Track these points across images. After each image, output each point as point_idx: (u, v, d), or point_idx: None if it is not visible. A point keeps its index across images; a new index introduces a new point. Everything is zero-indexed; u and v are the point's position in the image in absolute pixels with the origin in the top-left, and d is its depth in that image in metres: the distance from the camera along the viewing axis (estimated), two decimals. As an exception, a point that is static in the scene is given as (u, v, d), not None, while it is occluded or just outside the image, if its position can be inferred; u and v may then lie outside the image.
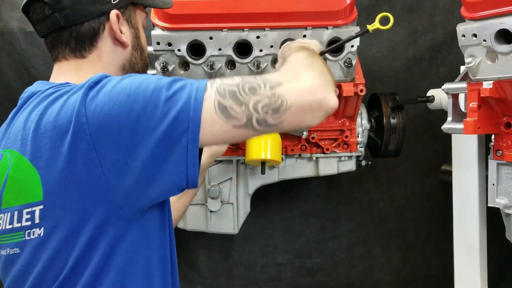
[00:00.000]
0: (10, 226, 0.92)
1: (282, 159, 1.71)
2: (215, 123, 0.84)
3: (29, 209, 0.89)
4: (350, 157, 1.76)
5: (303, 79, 0.88)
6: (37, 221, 0.89)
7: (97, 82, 0.88)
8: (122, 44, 1.06)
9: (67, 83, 0.97)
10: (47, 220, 0.88)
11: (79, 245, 0.87)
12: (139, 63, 1.11)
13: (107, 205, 0.87)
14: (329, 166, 1.76)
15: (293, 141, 1.72)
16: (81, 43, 1.02)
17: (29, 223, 0.89)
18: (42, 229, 0.89)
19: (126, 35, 1.06)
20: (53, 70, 1.06)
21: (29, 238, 0.90)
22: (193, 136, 0.84)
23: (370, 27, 1.22)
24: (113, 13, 1.03)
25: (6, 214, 0.93)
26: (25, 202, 0.90)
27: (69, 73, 1.03)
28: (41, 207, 0.88)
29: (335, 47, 1.31)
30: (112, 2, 1.03)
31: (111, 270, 0.90)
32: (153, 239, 0.96)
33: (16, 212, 0.91)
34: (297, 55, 1.03)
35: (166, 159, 0.85)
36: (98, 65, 1.04)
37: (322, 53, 1.30)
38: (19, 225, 0.91)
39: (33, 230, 0.89)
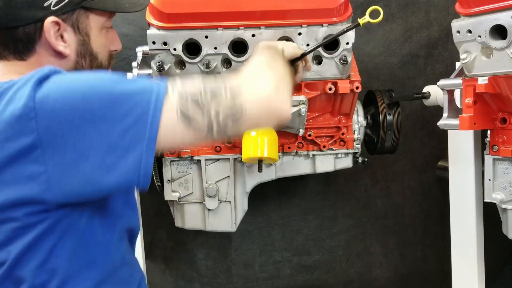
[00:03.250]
0: None
1: (279, 157, 1.71)
2: (176, 131, 0.85)
3: None
4: (346, 154, 1.76)
5: (261, 87, 0.91)
6: None
7: (46, 76, 0.85)
8: (61, 53, 0.99)
9: (10, 81, 0.93)
10: None
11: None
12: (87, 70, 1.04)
13: (34, 199, 0.85)
14: (326, 163, 1.76)
15: (290, 139, 1.72)
16: (18, 47, 0.98)
17: None
18: None
19: (68, 43, 0.99)
20: None
21: None
22: (149, 144, 0.83)
23: (361, 21, 1.23)
24: (49, 21, 0.95)
25: None
26: None
27: (11, 73, 0.99)
28: None
29: (327, 41, 1.32)
30: (52, 8, 0.95)
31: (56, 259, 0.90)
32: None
33: None
34: (259, 59, 1.04)
35: (117, 166, 0.84)
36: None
37: (312, 50, 1.31)
38: None
39: None
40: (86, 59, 1.04)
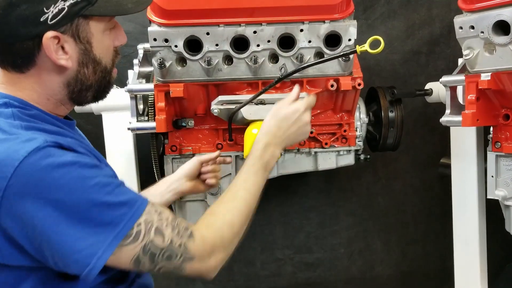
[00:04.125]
0: None
1: (281, 154, 1.71)
2: (123, 265, 0.92)
3: None
4: (348, 151, 1.76)
5: (211, 261, 1.01)
6: None
7: (36, 150, 0.85)
8: (62, 66, 0.96)
9: (5, 103, 0.94)
10: None
11: None
12: (90, 77, 1.01)
13: None
14: (328, 160, 1.76)
15: (292, 136, 1.72)
16: (17, 61, 0.95)
17: None
18: None
19: (70, 54, 0.96)
20: None
21: None
22: (107, 248, 0.89)
23: (359, 49, 1.23)
24: (47, 36, 0.91)
25: None
26: None
27: (9, 85, 0.98)
28: None
29: (320, 62, 1.35)
30: (49, 23, 0.91)
31: None
32: None
33: None
34: (242, 189, 1.15)
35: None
36: (38, 82, 0.98)
37: (307, 67, 1.36)
38: None
39: None
40: (89, 67, 1.00)
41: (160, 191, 1.36)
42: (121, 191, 0.92)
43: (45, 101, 1.00)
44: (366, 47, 1.22)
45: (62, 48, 0.95)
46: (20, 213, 0.85)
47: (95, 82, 1.02)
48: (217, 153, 1.46)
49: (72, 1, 0.92)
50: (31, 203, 0.84)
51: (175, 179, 1.38)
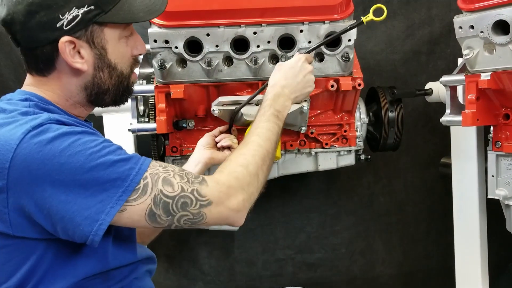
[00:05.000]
0: None
1: (282, 155, 1.71)
2: (140, 222, 0.94)
3: None
4: (349, 151, 1.76)
5: (229, 205, 1.00)
6: None
7: (36, 126, 0.91)
8: (79, 69, 1.03)
9: (26, 99, 1.01)
10: None
11: None
12: (107, 82, 1.07)
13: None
14: (329, 160, 1.76)
15: (292, 136, 1.72)
16: (38, 65, 1.03)
17: None
18: None
19: (86, 59, 1.02)
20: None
21: None
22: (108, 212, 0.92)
23: (365, 19, 1.24)
24: (62, 41, 0.98)
25: None
26: None
27: (33, 86, 1.06)
28: None
29: (330, 39, 1.33)
30: (64, 28, 0.98)
31: None
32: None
33: None
34: (258, 135, 1.15)
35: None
36: (58, 84, 1.05)
37: (315, 48, 1.35)
38: None
39: None
40: (104, 72, 1.06)
41: (190, 168, 1.37)
42: (121, 151, 0.96)
43: (64, 101, 1.06)
44: (370, 16, 1.23)
45: (79, 52, 1.01)
46: (29, 196, 0.89)
47: (112, 86, 1.08)
48: (224, 126, 1.48)
49: (85, 9, 0.99)
50: (36, 187, 0.89)
51: (196, 152, 1.40)
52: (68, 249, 0.97)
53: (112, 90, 1.09)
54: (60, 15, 0.97)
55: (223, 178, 1.03)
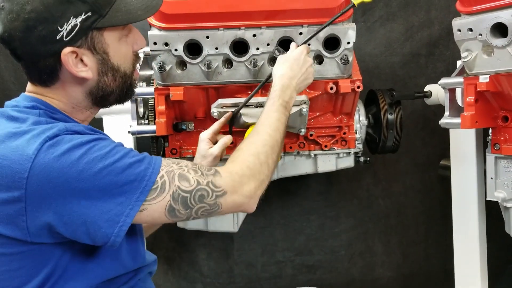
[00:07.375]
0: None
1: (281, 157, 1.71)
2: (160, 218, 0.98)
3: None
4: (348, 154, 1.76)
5: (243, 193, 1.04)
6: None
7: (53, 136, 0.92)
8: (83, 78, 1.03)
9: (33, 106, 1.01)
10: None
11: None
12: (111, 84, 1.07)
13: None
14: (328, 162, 1.76)
15: (292, 139, 1.72)
16: (41, 77, 1.03)
17: None
18: None
19: (89, 66, 1.02)
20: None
21: None
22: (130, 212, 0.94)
23: (355, 1, 1.25)
24: (64, 52, 0.98)
25: None
26: None
27: (37, 94, 1.05)
28: None
29: (325, 26, 1.39)
30: (64, 40, 0.97)
31: None
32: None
33: None
34: (267, 123, 1.18)
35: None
36: (63, 93, 1.05)
37: (312, 37, 1.39)
38: None
39: None
40: (108, 75, 1.06)
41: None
42: (134, 153, 0.97)
43: (71, 108, 1.07)
44: None
45: (81, 60, 1.01)
46: (48, 204, 0.90)
47: (116, 88, 1.09)
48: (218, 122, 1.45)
49: (83, 17, 0.98)
50: (56, 195, 0.90)
51: (201, 146, 1.39)
52: (84, 254, 0.99)
53: (116, 91, 1.09)
54: (58, 27, 0.96)
55: (235, 168, 1.06)
